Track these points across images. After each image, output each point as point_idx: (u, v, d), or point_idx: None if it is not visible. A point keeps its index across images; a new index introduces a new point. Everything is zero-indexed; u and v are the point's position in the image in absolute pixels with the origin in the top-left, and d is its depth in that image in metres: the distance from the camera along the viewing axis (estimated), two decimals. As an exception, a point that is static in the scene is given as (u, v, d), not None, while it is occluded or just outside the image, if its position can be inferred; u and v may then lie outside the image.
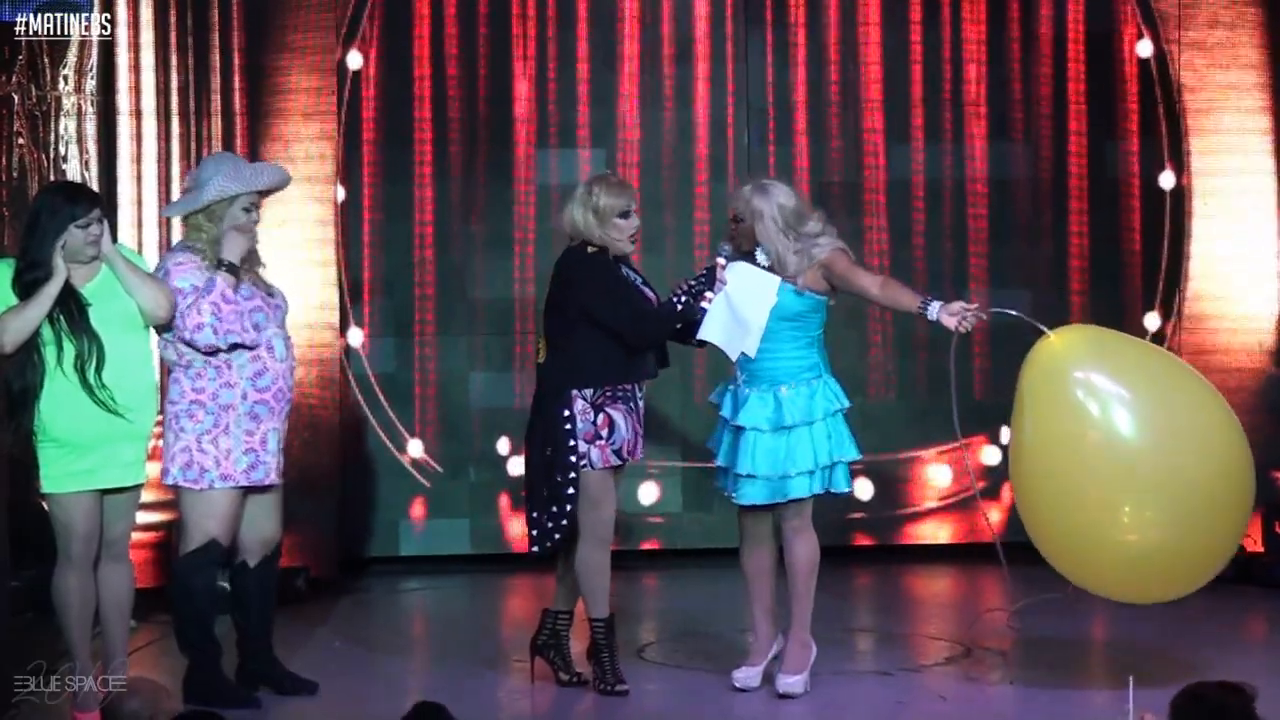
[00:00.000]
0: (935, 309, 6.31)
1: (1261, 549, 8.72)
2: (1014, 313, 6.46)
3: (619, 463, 6.56)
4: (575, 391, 6.48)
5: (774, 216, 6.49)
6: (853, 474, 6.68)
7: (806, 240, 6.50)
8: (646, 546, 9.31)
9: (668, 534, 9.29)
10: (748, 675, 6.69)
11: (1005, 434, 7.49)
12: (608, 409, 6.51)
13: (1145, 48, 9.28)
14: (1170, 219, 9.27)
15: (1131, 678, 4.99)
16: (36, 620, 6.61)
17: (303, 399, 8.79)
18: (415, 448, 9.25)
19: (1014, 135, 9.38)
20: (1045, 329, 6.31)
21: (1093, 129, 9.35)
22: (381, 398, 9.21)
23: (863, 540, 9.34)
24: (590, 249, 6.55)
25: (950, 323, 6.30)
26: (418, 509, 9.27)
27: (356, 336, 9.19)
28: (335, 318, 8.97)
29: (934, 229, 9.37)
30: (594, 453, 6.49)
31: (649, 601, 8.78)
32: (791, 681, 6.55)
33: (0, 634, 6.24)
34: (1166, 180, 9.29)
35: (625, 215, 6.57)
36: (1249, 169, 9.11)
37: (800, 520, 6.55)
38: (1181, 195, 9.22)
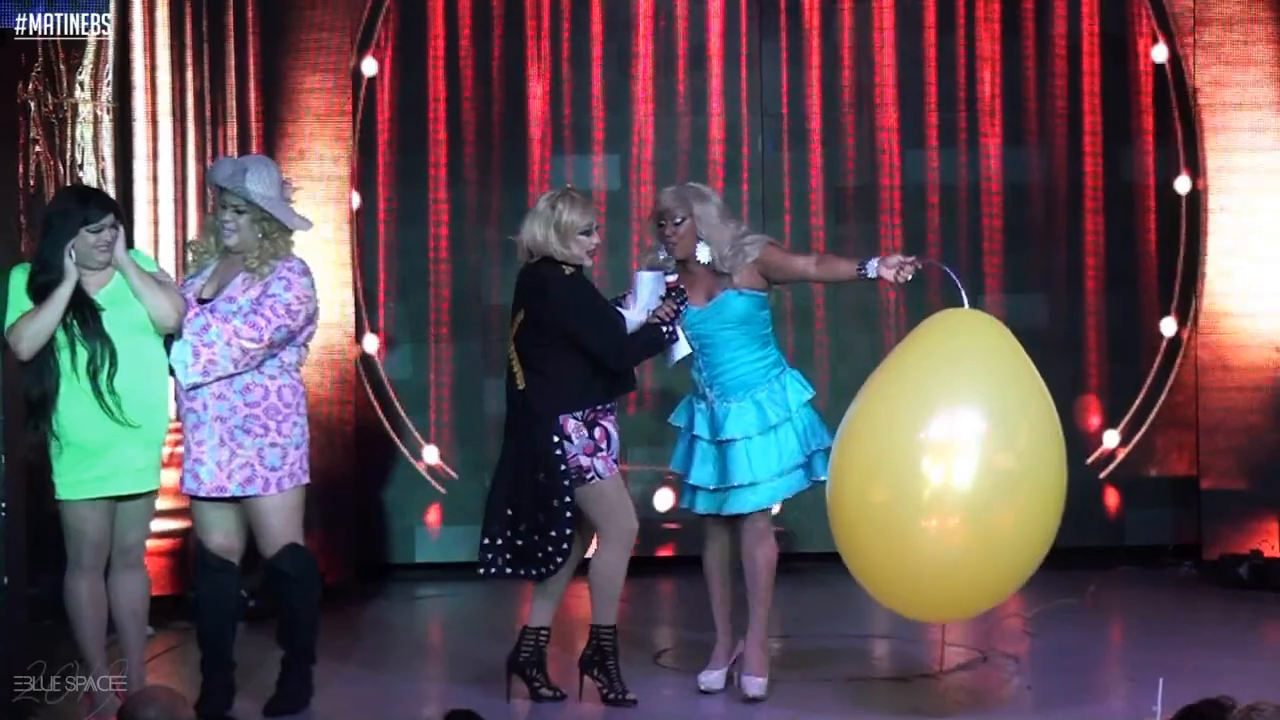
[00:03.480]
0: (873, 265, 6.43)
1: (1279, 554, 8.70)
2: (948, 270, 6.52)
3: (608, 474, 6.54)
4: (565, 415, 6.48)
5: (711, 213, 6.55)
6: None
7: (736, 241, 6.54)
8: (662, 553, 9.31)
9: (684, 540, 9.28)
10: (711, 678, 6.72)
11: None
12: (601, 422, 6.53)
13: (1160, 52, 9.27)
14: (1186, 223, 9.26)
15: (1161, 680, 4.98)
16: (55, 627, 6.62)
17: (318, 405, 8.80)
18: (431, 454, 9.25)
19: (1029, 140, 9.37)
20: (965, 298, 6.32)
21: (1108, 133, 9.34)
22: (397, 404, 9.21)
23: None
24: (567, 269, 6.53)
25: (889, 275, 6.40)
26: (433, 515, 9.27)
27: (372, 343, 9.20)
28: (351, 324, 8.98)
29: (949, 234, 9.36)
30: (599, 464, 6.51)
31: (665, 607, 8.78)
32: (757, 684, 6.57)
33: (20, 640, 6.25)
34: (1182, 185, 9.27)
35: (588, 233, 6.55)
36: (1265, 173, 9.09)
37: (765, 524, 6.60)
38: (1197, 200, 9.20)
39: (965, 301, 6.35)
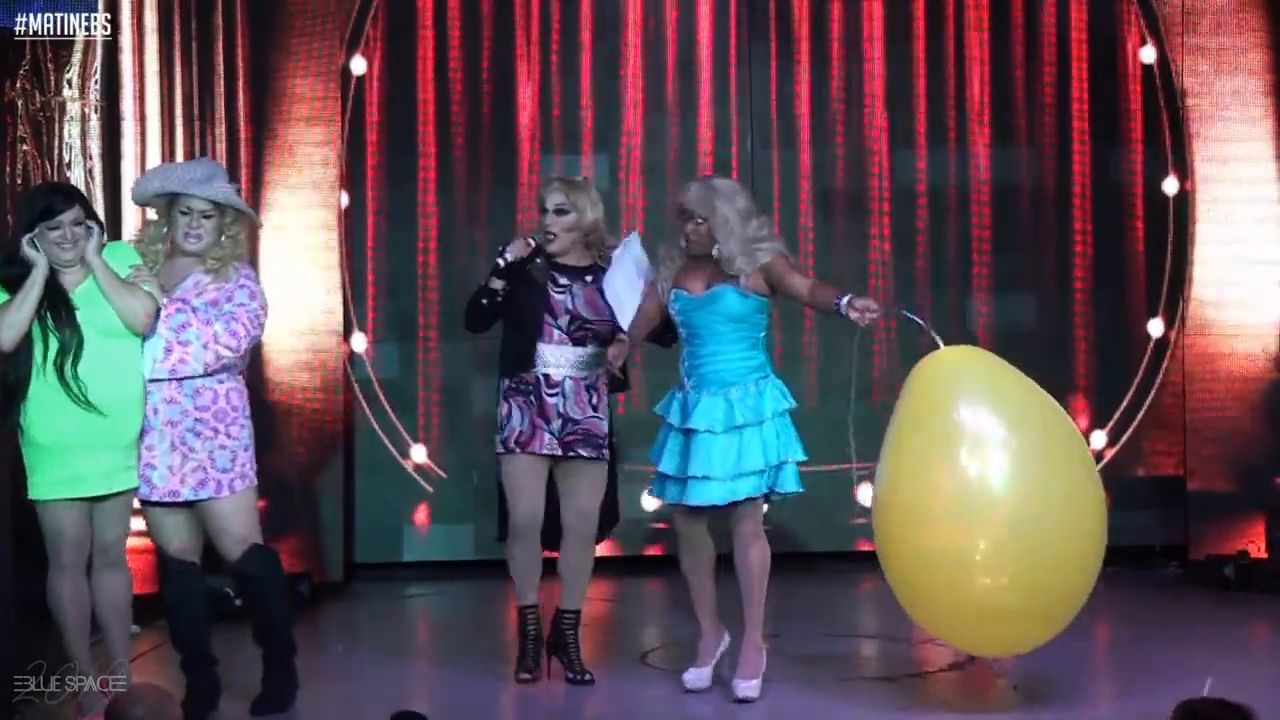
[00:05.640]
0: (844, 302, 6.40)
1: (1265, 555, 8.71)
2: (916, 319, 6.49)
3: (503, 451, 6.81)
4: (501, 379, 6.87)
5: (731, 217, 6.54)
6: (801, 476, 6.70)
7: (752, 243, 6.55)
8: (650, 552, 9.31)
9: (671, 540, 9.26)
10: (698, 676, 6.73)
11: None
12: (510, 399, 6.82)
13: (1149, 54, 9.28)
14: (1174, 225, 9.27)
15: (1210, 679, 4.97)
16: (41, 628, 6.62)
17: (306, 404, 8.80)
18: (418, 453, 9.25)
19: (1017, 142, 9.37)
20: (939, 341, 6.32)
21: (1096, 135, 9.35)
22: (385, 403, 9.21)
23: (866, 545, 9.31)
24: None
25: (854, 316, 6.37)
26: (421, 514, 9.27)
27: (360, 341, 9.19)
28: (339, 323, 8.97)
29: (937, 236, 9.37)
30: (500, 441, 6.85)
31: (653, 607, 8.78)
32: (749, 685, 6.57)
33: (4, 640, 6.24)
34: (1170, 186, 9.29)
35: (542, 212, 6.84)
36: (1252, 175, 9.11)
37: (754, 524, 6.59)
38: (1185, 201, 9.22)
39: (939, 343, 6.33)
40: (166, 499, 6.28)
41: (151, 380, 6.22)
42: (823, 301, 6.53)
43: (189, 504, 6.32)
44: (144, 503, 6.34)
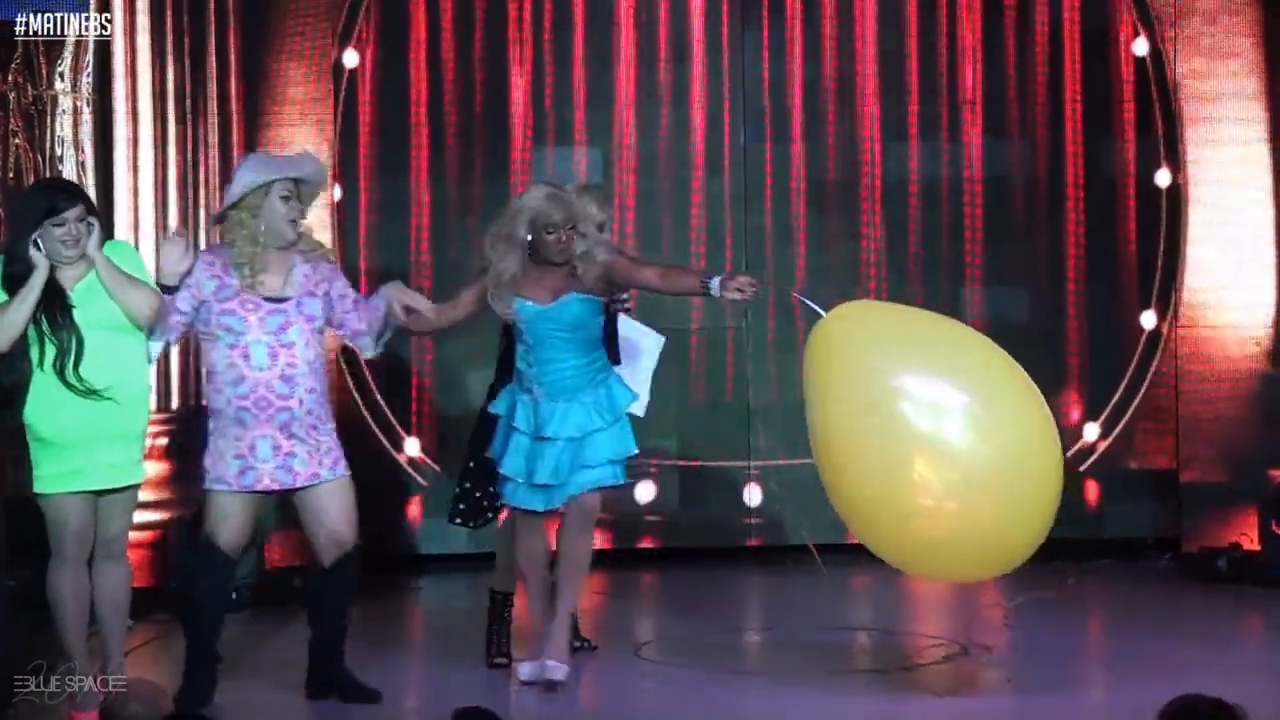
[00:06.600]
0: (716, 284, 6.22)
1: (1258, 547, 8.73)
2: (799, 295, 6.48)
3: None
4: (496, 387, 6.86)
5: (593, 218, 6.53)
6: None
7: (598, 244, 6.48)
8: (644, 545, 9.31)
9: (665, 532, 9.29)
10: (533, 669, 6.69)
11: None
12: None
13: (1141, 46, 9.29)
14: (1166, 217, 9.28)
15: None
16: (36, 620, 6.62)
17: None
18: (412, 446, 9.24)
19: (1010, 133, 9.38)
20: (821, 312, 6.24)
21: (1089, 127, 9.36)
22: (378, 396, 9.21)
23: (859, 538, 9.33)
24: None
25: (733, 296, 6.20)
26: (414, 508, 9.27)
27: (353, 335, 9.18)
28: (332, 316, 8.96)
29: (930, 227, 9.38)
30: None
31: (646, 600, 8.79)
32: (565, 669, 6.54)
33: (2, 640, 6.23)
34: (1162, 178, 9.29)
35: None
36: (1245, 167, 9.12)
37: (594, 515, 6.57)
38: (1177, 193, 9.23)
39: (822, 313, 6.23)
40: (309, 482, 6.35)
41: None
42: (684, 286, 6.44)
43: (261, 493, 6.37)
44: (221, 493, 6.32)
